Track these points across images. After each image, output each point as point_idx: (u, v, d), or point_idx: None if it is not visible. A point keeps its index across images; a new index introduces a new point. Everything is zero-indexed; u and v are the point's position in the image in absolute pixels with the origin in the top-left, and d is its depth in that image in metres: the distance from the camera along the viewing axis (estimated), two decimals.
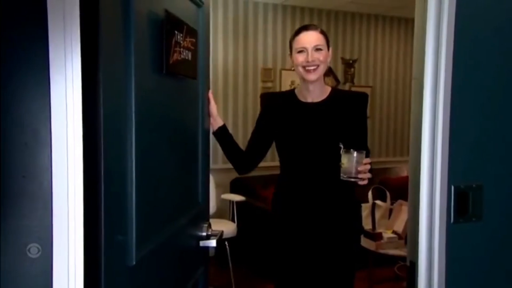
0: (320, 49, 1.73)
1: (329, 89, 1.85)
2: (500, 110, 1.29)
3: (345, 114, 1.80)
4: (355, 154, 1.59)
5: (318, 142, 1.77)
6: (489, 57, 1.26)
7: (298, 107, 1.82)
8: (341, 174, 1.63)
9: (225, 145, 1.88)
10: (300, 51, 1.74)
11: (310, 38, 1.73)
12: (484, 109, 1.27)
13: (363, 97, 1.88)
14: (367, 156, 1.81)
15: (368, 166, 1.61)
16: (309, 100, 1.82)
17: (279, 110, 1.85)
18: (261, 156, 1.92)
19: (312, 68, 1.72)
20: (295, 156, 1.82)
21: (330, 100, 1.82)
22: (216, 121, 1.82)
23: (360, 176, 1.60)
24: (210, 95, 1.59)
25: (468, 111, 1.25)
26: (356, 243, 1.90)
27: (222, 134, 1.85)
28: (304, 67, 1.73)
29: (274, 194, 1.96)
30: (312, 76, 1.73)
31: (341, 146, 1.67)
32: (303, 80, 1.78)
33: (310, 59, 1.71)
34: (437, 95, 1.21)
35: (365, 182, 1.62)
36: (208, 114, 1.60)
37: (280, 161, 1.89)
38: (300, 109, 1.82)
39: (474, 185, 1.26)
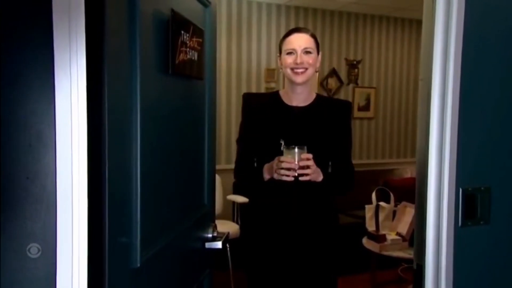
0: (310, 52, 1.71)
1: (314, 95, 1.84)
2: (509, 112, 1.28)
3: (329, 122, 1.79)
4: (296, 149, 1.60)
5: (301, 144, 1.72)
6: (499, 59, 1.25)
7: (282, 110, 1.79)
8: None
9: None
10: (289, 53, 1.72)
11: (300, 40, 1.71)
12: (493, 111, 1.26)
13: (346, 105, 1.89)
14: (350, 172, 1.84)
15: (309, 162, 1.60)
16: (294, 103, 1.79)
17: (263, 111, 1.80)
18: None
19: (300, 70, 1.70)
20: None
21: (315, 106, 1.81)
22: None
23: (300, 171, 1.60)
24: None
25: (477, 113, 1.23)
26: (334, 249, 1.84)
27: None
28: (292, 69, 1.71)
29: (251, 204, 1.92)
30: (299, 79, 1.71)
31: (282, 142, 1.67)
32: (291, 82, 1.76)
33: (298, 61, 1.69)
34: (445, 97, 1.20)
35: (306, 178, 1.61)
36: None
37: (257, 163, 1.80)
38: (284, 112, 1.79)
39: (482, 188, 1.25)
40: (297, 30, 1.77)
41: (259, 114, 1.80)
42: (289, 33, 1.77)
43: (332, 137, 1.79)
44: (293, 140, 1.72)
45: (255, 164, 1.79)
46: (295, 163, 1.59)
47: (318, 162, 1.75)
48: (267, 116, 1.79)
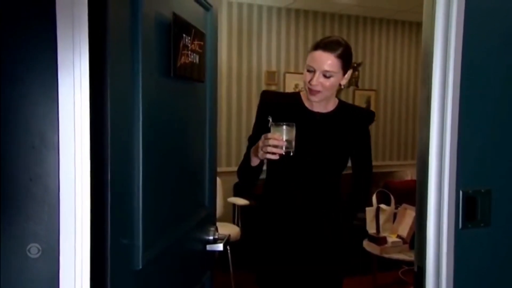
0: (330, 76, 1.59)
1: (336, 101, 1.78)
2: (509, 114, 1.28)
3: (350, 129, 1.75)
4: (284, 127, 1.52)
5: (319, 154, 1.70)
6: (499, 61, 1.26)
7: (303, 114, 1.72)
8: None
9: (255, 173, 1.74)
10: (309, 70, 1.62)
11: (322, 61, 1.58)
12: (493, 114, 1.26)
13: (370, 115, 1.84)
14: (368, 175, 1.84)
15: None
16: (316, 109, 1.73)
17: (282, 111, 1.69)
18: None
19: (314, 91, 1.63)
20: (291, 165, 1.68)
21: (337, 112, 1.75)
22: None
23: (288, 150, 1.52)
24: None
25: (477, 115, 1.24)
26: (342, 251, 1.83)
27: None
28: (308, 87, 1.64)
29: (260, 205, 1.87)
30: (313, 98, 1.65)
31: (270, 119, 1.59)
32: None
33: (313, 83, 1.59)
34: (445, 99, 1.21)
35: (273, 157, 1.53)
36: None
37: (269, 168, 1.74)
38: (305, 117, 1.71)
39: (482, 190, 1.25)
40: (324, 47, 1.61)
41: (277, 113, 1.66)
42: (317, 46, 1.62)
43: (351, 146, 1.75)
44: (311, 145, 1.68)
45: (264, 166, 1.71)
46: (283, 141, 1.51)
47: (332, 169, 1.73)
48: (286, 117, 1.65)
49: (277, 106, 1.72)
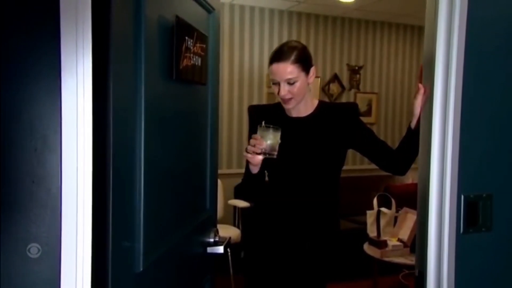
0: (294, 82, 1.64)
1: (316, 102, 1.81)
2: (511, 119, 1.28)
3: (336, 126, 1.76)
4: (271, 129, 1.58)
5: (303, 157, 1.74)
6: (501, 64, 1.26)
7: (284, 121, 1.76)
8: None
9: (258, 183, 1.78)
10: (273, 83, 1.69)
11: (281, 72, 1.64)
12: (494, 118, 1.26)
13: (352, 107, 1.85)
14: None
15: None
16: (294, 115, 1.78)
17: (268, 122, 1.74)
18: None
19: (285, 100, 1.68)
20: (281, 171, 1.77)
21: (317, 114, 1.78)
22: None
23: (270, 152, 1.57)
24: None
25: (479, 119, 1.24)
26: (330, 257, 1.84)
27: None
28: (280, 97, 1.70)
29: (254, 208, 1.92)
30: (288, 106, 1.71)
31: (263, 122, 1.64)
32: None
33: (281, 94, 1.65)
34: (447, 103, 1.21)
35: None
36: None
37: (268, 175, 1.82)
38: (286, 124, 1.75)
39: (484, 195, 1.25)
40: (277, 58, 1.65)
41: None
42: (271, 60, 1.67)
43: (341, 143, 1.77)
44: (294, 150, 1.73)
45: (266, 177, 1.77)
46: (265, 143, 1.57)
47: (319, 172, 1.75)
48: None
49: (262, 118, 1.76)
